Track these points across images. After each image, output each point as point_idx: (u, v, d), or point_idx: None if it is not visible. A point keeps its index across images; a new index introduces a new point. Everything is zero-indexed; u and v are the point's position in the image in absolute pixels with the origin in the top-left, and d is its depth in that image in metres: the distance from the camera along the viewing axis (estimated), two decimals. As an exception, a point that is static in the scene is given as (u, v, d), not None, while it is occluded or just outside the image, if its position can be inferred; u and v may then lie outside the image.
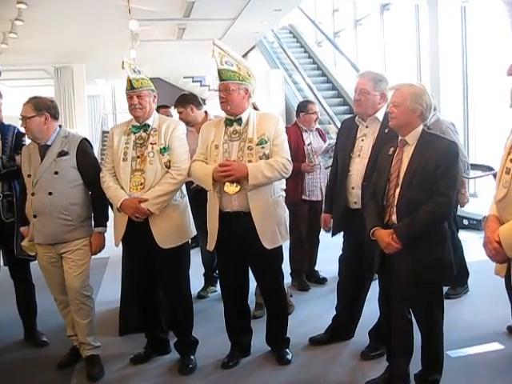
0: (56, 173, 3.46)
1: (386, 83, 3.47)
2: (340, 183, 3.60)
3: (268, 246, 3.41)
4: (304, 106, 5.23)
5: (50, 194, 3.44)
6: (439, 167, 2.82)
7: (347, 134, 3.62)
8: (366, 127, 3.53)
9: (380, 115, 3.48)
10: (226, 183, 3.33)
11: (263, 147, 3.37)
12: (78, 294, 3.53)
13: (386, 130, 3.35)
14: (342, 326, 3.86)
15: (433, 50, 8.26)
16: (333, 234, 3.78)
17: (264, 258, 3.49)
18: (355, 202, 3.52)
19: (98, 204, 3.60)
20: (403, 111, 2.91)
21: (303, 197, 5.06)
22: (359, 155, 3.50)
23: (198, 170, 3.43)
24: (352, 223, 3.57)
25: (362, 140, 3.52)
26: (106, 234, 3.69)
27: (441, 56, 8.08)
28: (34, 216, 3.49)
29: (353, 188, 3.51)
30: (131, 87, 3.46)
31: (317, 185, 5.14)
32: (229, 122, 3.45)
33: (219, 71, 3.39)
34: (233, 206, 3.39)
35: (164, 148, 3.45)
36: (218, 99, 3.44)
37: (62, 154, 3.48)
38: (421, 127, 2.97)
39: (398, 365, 3.15)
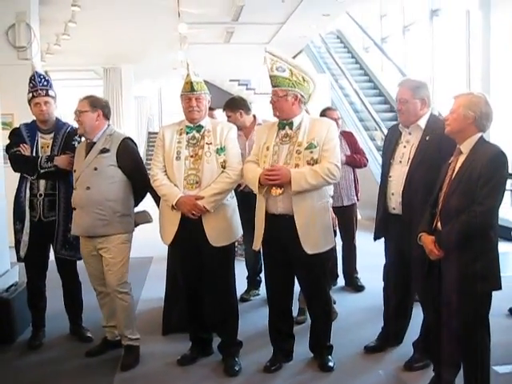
0: (95, 169, 3.63)
1: (426, 89, 3.50)
2: (381, 188, 3.64)
3: (309, 250, 3.40)
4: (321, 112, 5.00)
5: (88, 188, 3.61)
6: (482, 176, 2.79)
7: (389, 141, 3.69)
8: (409, 134, 3.54)
9: (422, 122, 3.47)
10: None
11: (312, 151, 3.38)
12: (115, 291, 3.69)
13: (428, 138, 3.40)
14: (390, 333, 3.82)
15: (484, 57, 8.07)
16: (375, 238, 3.75)
17: (307, 263, 3.47)
18: (394, 208, 3.54)
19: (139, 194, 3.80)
20: (456, 118, 2.92)
21: None
22: (400, 162, 3.52)
23: (249, 172, 3.49)
24: (391, 228, 3.60)
25: (405, 147, 3.54)
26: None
27: (492, 64, 7.89)
28: (74, 209, 3.67)
29: (392, 194, 3.53)
30: (191, 89, 3.50)
31: (336, 191, 4.90)
32: (281, 126, 3.50)
33: (270, 77, 3.46)
34: (278, 208, 3.41)
35: (221, 148, 3.52)
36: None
37: (104, 151, 3.65)
38: (477, 136, 2.92)
39: (445, 377, 3.08)
